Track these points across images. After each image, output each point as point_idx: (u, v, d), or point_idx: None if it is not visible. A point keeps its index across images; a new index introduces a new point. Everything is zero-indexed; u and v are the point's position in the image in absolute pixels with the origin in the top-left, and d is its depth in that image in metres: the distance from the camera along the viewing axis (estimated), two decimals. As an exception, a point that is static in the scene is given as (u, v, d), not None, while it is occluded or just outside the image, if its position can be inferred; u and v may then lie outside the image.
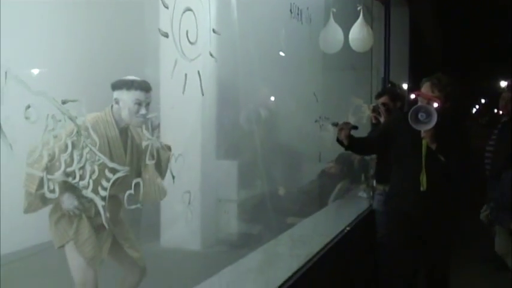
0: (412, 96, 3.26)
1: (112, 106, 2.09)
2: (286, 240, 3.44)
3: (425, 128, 3.05)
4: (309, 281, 2.88)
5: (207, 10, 2.00)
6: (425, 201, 3.25)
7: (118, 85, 2.06)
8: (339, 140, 3.29)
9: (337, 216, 4.54)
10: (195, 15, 1.87)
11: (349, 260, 4.02)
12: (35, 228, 2.15)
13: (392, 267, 3.59)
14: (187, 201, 1.90)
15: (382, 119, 4.19)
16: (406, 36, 7.47)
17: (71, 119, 1.24)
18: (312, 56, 3.94)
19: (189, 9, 1.84)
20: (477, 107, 26.65)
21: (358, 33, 4.53)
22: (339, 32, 4.23)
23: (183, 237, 2.94)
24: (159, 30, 1.71)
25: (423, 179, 3.18)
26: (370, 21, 5.13)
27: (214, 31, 2.04)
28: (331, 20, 4.17)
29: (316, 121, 3.74)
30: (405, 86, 7.58)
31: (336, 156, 5.37)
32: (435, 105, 3.12)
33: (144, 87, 2.07)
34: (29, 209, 1.88)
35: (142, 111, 2.07)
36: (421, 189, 3.18)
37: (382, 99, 4.44)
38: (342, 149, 5.22)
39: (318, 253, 3.17)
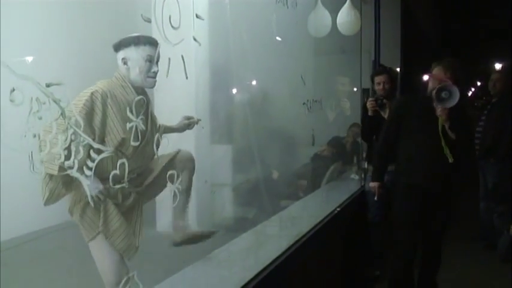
0: (426, 77, 3.51)
1: (118, 70, 1.93)
2: (276, 221, 3.51)
3: (448, 105, 3.29)
4: (297, 260, 2.95)
5: (190, -5, 2.05)
6: (444, 175, 3.57)
7: (124, 43, 1.90)
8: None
9: (329, 197, 4.60)
10: (177, 1, 1.92)
11: (340, 239, 4.10)
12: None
13: (397, 245, 3.72)
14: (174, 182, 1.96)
15: (386, 111, 4.23)
16: (398, 18, 7.48)
17: (55, 101, 1.30)
18: (300, 39, 3.98)
19: (171, -5, 1.88)
20: (473, 89, 26.68)
21: (346, 16, 4.57)
22: (326, 16, 4.27)
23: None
24: (142, 15, 1.76)
25: (447, 152, 3.42)
26: (358, 4, 5.16)
27: (197, 16, 2.08)
28: (319, 3, 4.21)
29: (303, 104, 3.80)
30: (397, 69, 7.61)
31: (329, 139, 5.45)
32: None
33: (152, 41, 1.94)
34: (50, 198, 1.74)
35: (155, 68, 1.95)
36: (449, 161, 3.43)
37: (381, 78, 4.51)
38: (334, 133, 5.33)
39: (307, 233, 3.24)
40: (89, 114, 1.74)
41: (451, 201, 3.77)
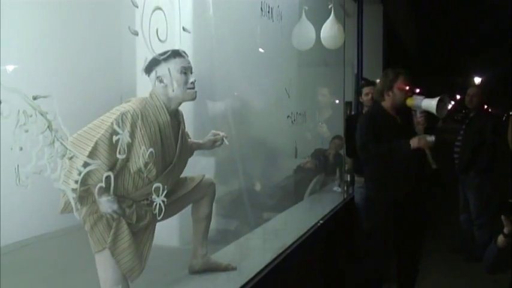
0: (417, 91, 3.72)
1: (154, 89, 1.93)
2: (260, 233, 3.50)
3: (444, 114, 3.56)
4: (281, 273, 2.95)
5: (177, 9, 2.05)
6: (406, 187, 3.66)
7: (153, 63, 1.90)
8: None
9: (312, 210, 4.61)
10: (164, 14, 1.92)
11: (324, 251, 4.10)
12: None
13: (371, 255, 3.79)
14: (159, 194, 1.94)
15: None
16: (380, 32, 7.58)
17: (42, 114, 1.29)
18: (285, 53, 4.00)
19: (158, 8, 1.89)
20: (452, 103, 27.06)
21: (330, 30, 4.61)
22: (311, 29, 4.30)
23: (161, 234, 2.97)
24: (129, 28, 1.76)
25: (430, 159, 3.76)
26: (342, 18, 5.21)
27: (184, 29, 2.09)
28: (303, 17, 4.24)
29: (288, 117, 3.82)
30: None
31: (312, 152, 5.47)
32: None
33: (181, 53, 1.96)
34: (65, 209, 1.76)
35: (192, 78, 1.96)
36: (433, 167, 3.77)
37: (369, 89, 4.61)
38: (317, 145, 5.35)
39: (290, 246, 3.24)
40: (115, 133, 1.74)
41: (424, 213, 3.86)
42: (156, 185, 1.89)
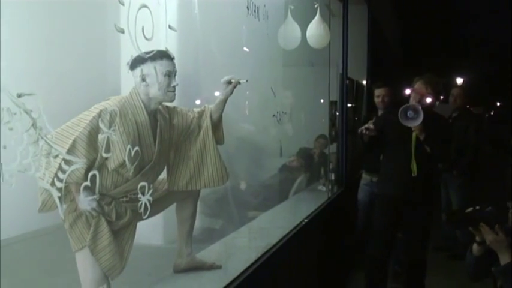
0: (408, 91, 3.72)
1: (136, 87, 1.93)
2: (245, 232, 3.50)
3: (413, 125, 3.50)
4: (266, 272, 2.95)
5: (164, 7, 2.04)
6: (413, 187, 3.72)
7: (139, 60, 1.90)
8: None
9: (297, 209, 4.62)
10: (150, 12, 1.91)
11: (309, 250, 4.11)
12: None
13: (371, 250, 3.87)
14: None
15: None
16: (365, 32, 7.61)
17: (26, 112, 1.27)
18: (271, 52, 4.00)
19: (144, 6, 1.87)
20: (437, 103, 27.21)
21: (315, 30, 4.63)
22: (296, 29, 4.31)
23: (145, 232, 2.96)
24: (115, 26, 1.74)
25: (414, 166, 3.65)
26: (328, 18, 5.22)
27: (170, 27, 2.08)
28: (289, 17, 4.24)
29: (273, 116, 3.82)
30: (364, 82, 7.73)
31: (297, 150, 5.48)
32: (428, 100, 3.61)
33: (169, 55, 1.96)
34: (43, 208, 1.77)
35: (174, 82, 1.97)
36: (412, 175, 3.66)
37: (381, 91, 4.65)
38: (301, 144, 5.37)
39: (275, 245, 3.24)
40: (93, 131, 1.73)
41: (429, 213, 3.93)
42: (141, 183, 1.88)
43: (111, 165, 1.82)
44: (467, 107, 5.89)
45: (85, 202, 1.74)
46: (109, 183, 1.88)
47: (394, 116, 3.59)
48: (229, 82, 2.41)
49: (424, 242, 3.92)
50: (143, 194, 1.87)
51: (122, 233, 1.96)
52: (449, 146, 3.97)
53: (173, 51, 2.11)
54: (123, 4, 1.77)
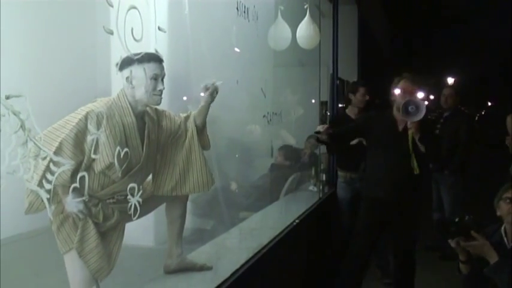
0: (397, 91, 3.63)
1: (123, 89, 1.92)
2: (236, 233, 3.50)
3: (414, 119, 3.38)
4: (257, 272, 2.95)
5: (153, 8, 2.04)
6: (405, 188, 3.65)
7: (127, 61, 1.88)
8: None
9: (288, 209, 4.63)
10: (140, 13, 1.91)
11: (300, 251, 4.12)
12: None
13: (353, 250, 3.83)
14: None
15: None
16: (355, 33, 7.64)
17: (15, 113, 1.27)
18: (261, 53, 4.01)
19: (133, 7, 1.87)
20: (426, 102, 27.37)
21: (305, 30, 4.64)
22: (286, 30, 4.32)
23: (136, 233, 2.95)
24: (104, 27, 1.74)
25: (415, 164, 3.54)
26: (318, 18, 5.24)
27: (159, 29, 2.08)
28: (279, 17, 4.25)
29: (264, 116, 3.83)
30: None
31: (279, 147, 5.50)
32: (419, 95, 3.62)
33: (157, 58, 1.94)
34: (30, 209, 1.76)
35: (160, 86, 1.95)
36: (415, 172, 3.55)
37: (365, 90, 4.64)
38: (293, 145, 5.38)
39: (266, 245, 3.25)
40: (80, 133, 1.73)
41: (418, 213, 3.88)
42: (131, 185, 1.87)
43: (99, 166, 1.81)
44: (459, 106, 5.91)
45: (72, 204, 1.74)
46: (96, 184, 1.87)
47: (380, 115, 3.56)
48: (207, 88, 2.41)
49: (413, 242, 3.90)
50: (132, 195, 1.87)
51: (109, 234, 1.95)
52: (440, 145, 3.94)
53: (163, 52, 2.11)
54: (112, 5, 1.77)
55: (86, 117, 1.77)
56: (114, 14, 1.80)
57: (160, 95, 1.96)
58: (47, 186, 1.49)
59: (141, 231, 2.97)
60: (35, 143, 1.34)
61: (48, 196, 1.49)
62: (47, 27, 2.33)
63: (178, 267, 2.52)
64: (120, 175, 1.87)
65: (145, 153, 2.00)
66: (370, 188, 3.87)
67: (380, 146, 3.77)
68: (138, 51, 1.90)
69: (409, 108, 3.34)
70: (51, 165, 1.55)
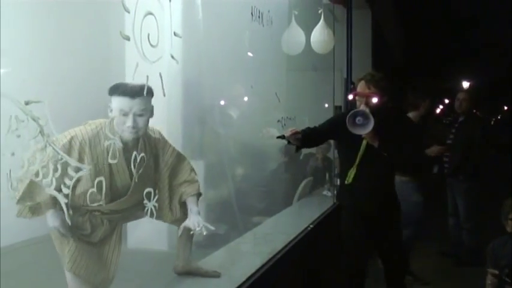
0: (350, 97, 3.30)
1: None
2: (250, 238, 3.50)
3: (362, 132, 3.10)
4: (271, 278, 2.95)
5: (168, 14, 2.05)
6: (370, 195, 3.36)
7: (110, 90, 1.82)
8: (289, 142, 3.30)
9: (301, 214, 4.62)
10: (156, 19, 1.93)
11: (313, 257, 4.11)
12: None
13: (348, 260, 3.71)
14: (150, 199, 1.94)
15: None
16: (369, 37, 7.62)
17: (34, 119, 1.28)
18: (274, 57, 4.02)
19: (150, 13, 1.89)
20: (441, 107, 27.15)
21: (319, 35, 4.64)
22: (300, 34, 4.33)
23: (149, 237, 2.97)
24: (121, 33, 1.76)
25: (351, 173, 3.30)
26: (332, 23, 5.23)
27: (175, 34, 2.09)
28: (293, 22, 4.26)
29: (278, 121, 3.83)
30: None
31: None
32: (374, 100, 3.20)
33: (129, 92, 1.81)
34: (21, 213, 1.76)
35: (128, 123, 1.83)
36: (346, 182, 3.32)
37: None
38: (306, 149, 5.35)
39: (280, 250, 3.24)
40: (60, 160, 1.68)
41: (397, 221, 3.59)
42: (147, 189, 1.88)
43: (78, 191, 1.79)
44: (473, 111, 5.86)
45: (50, 219, 1.73)
46: (82, 198, 1.83)
47: (344, 120, 3.17)
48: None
49: (396, 251, 3.61)
50: (149, 199, 1.88)
51: (105, 244, 1.94)
52: (416, 151, 3.51)
53: (178, 57, 2.12)
54: (128, 11, 1.78)
55: (70, 143, 1.76)
56: (131, 20, 1.81)
57: (132, 131, 1.84)
58: (65, 190, 1.50)
59: (155, 236, 2.99)
60: (53, 148, 1.35)
61: (66, 201, 1.51)
62: (64, 33, 2.35)
63: (184, 270, 2.51)
64: (103, 203, 1.83)
65: (135, 182, 1.92)
66: (339, 196, 3.67)
67: (344, 151, 3.56)
68: (155, 57, 1.91)
69: (356, 120, 3.06)
70: (69, 170, 1.57)
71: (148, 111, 1.88)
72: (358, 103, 3.28)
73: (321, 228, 4.20)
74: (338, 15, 5.87)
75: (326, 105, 5.82)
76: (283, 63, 4.36)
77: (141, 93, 1.81)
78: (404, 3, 12.64)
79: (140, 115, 1.83)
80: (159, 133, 2.17)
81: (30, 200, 1.65)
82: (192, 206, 2.14)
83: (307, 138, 3.28)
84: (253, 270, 2.80)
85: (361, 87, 3.29)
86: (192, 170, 2.25)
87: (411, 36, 16.96)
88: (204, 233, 2.13)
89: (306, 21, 4.49)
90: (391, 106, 3.45)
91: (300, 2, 4.54)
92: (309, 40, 4.63)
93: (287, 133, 3.15)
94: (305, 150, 5.46)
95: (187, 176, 2.18)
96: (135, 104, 1.81)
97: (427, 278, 4.92)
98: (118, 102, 1.81)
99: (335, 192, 5.18)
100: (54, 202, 1.70)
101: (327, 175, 5.53)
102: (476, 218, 5.37)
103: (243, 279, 2.65)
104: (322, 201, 5.08)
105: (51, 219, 1.73)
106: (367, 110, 3.09)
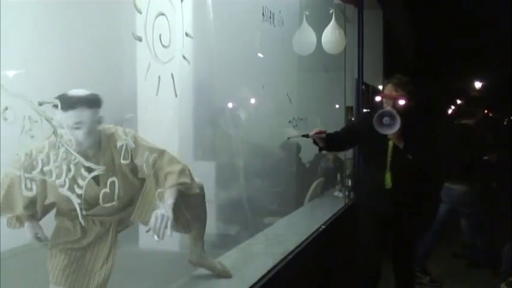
0: (378, 98, 3.40)
1: None
2: (261, 239, 3.50)
3: (389, 132, 3.18)
4: (284, 279, 2.94)
5: (180, 14, 2.05)
6: (391, 199, 3.40)
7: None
8: (315, 142, 3.39)
9: (313, 215, 4.60)
10: (167, 20, 1.93)
11: (325, 257, 4.09)
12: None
13: (360, 260, 3.72)
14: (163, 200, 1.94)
15: None
16: (380, 37, 7.58)
17: (47, 120, 1.29)
18: (286, 58, 4.01)
19: (161, 14, 1.89)
20: (453, 107, 26.96)
21: (331, 35, 4.63)
22: (312, 35, 4.32)
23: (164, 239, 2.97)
24: (133, 34, 1.76)
25: (387, 178, 3.37)
26: (343, 23, 5.22)
27: (187, 34, 2.09)
28: (304, 22, 4.25)
29: (289, 122, 3.82)
30: (380, 87, 7.71)
31: (313, 157, 5.49)
32: (401, 102, 3.30)
33: (62, 104, 1.56)
34: (10, 224, 1.81)
35: (65, 136, 1.60)
36: (386, 187, 3.36)
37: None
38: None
39: (292, 251, 3.24)
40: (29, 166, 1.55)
41: (412, 222, 3.60)
42: (159, 190, 1.88)
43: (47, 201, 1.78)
44: (486, 112, 5.81)
45: (27, 230, 1.75)
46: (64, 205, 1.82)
47: (370, 121, 3.23)
48: None
49: (409, 255, 3.67)
50: (161, 201, 1.87)
51: (100, 243, 1.94)
52: (433, 152, 3.58)
53: (189, 57, 2.12)
54: (140, 12, 1.79)
55: (30, 156, 1.72)
56: (143, 21, 1.81)
57: (69, 145, 1.61)
58: (78, 191, 1.51)
59: (167, 237, 2.98)
60: (66, 148, 1.35)
61: (80, 201, 1.51)
62: (76, 34, 2.37)
63: (199, 264, 2.52)
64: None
65: (104, 192, 1.79)
66: (361, 198, 3.74)
67: (369, 153, 3.61)
68: (167, 57, 1.91)
69: (383, 120, 3.16)
70: (82, 170, 1.57)
71: (86, 124, 1.70)
72: (385, 105, 3.37)
73: (332, 229, 4.18)
74: (349, 15, 5.85)
75: (337, 106, 5.81)
76: (295, 64, 4.36)
77: (75, 105, 1.65)
78: (415, 3, 12.58)
79: (76, 128, 1.67)
80: (134, 137, 1.97)
81: (10, 211, 1.68)
82: (167, 197, 1.92)
83: (330, 139, 3.36)
84: (265, 271, 2.79)
85: (388, 89, 3.40)
86: (173, 160, 2.05)
87: (422, 36, 16.88)
88: (157, 237, 1.84)
89: (317, 22, 4.48)
90: (417, 108, 3.56)
91: (311, 2, 4.53)
92: (320, 40, 4.62)
93: (312, 132, 3.24)
94: (317, 151, 5.46)
95: (167, 168, 1.99)
96: (67, 117, 1.64)
97: (440, 280, 4.89)
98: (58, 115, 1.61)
99: (346, 193, 5.16)
100: (31, 214, 1.73)
101: (338, 176, 5.50)
102: (489, 220, 5.32)
103: (255, 279, 2.65)
104: (334, 202, 5.06)
105: (28, 230, 1.76)
106: (394, 111, 3.17)
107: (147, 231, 1.78)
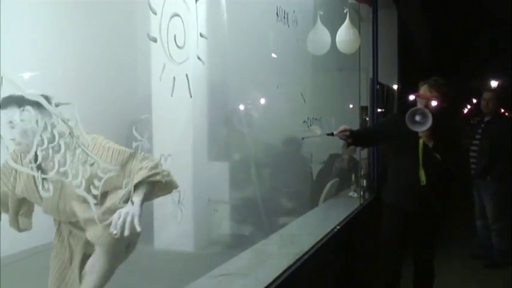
0: (412, 97, 3.53)
1: None
2: (276, 239, 3.49)
3: (421, 129, 3.27)
4: (298, 279, 2.94)
5: (194, 15, 2.06)
6: (420, 197, 3.53)
7: None
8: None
9: (328, 215, 4.59)
10: (182, 20, 1.93)
11: (340, 257, 4.08)
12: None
13: (382, 259, 3.77)
14: (177, 200, 1.94)
15: None
16: (395, 37, 7.54)
17: (64, 121, 1.30)
18: (300, 57, 4.00)
19: (176, 15, 1.89)
20: (469, 107, 26.77)
21: (345, 35, 4.61)
22: (326, 34, 4.30)
23: (176, 238, 2.98)
24: (148, 35, 1.77)
25: (422, 174, 3.48)
26: (357, 23, 5.19)
27: (201, 35, 2.09)
28: (319, 22, 4.24)
29: (304, 122, 3.81)
30: (395, 87, 7.67)
31: (327, 157, 5.47)
32: (434, 103, 3.43)
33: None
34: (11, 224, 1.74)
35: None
36: (421, 184, 3.48)
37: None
38: (332, 150, 5.33)
39: (307, 252, 3.23)
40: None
41: (437, 222, 3.76)
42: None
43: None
44: (501, 110, 5.76)
45: None
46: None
47: (401, 120, 3.35)
48: None
49: (430, 252, 3.77)
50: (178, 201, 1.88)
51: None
52: (459, 153, 3.80)
53: (204, 58, 2.12)
54: (155, 13, 1.79)
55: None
56: (157, 22, 1.82)
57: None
58: (94, 192, 1.51)
59: (182, 237, 3.00)
60: (83, 149, 1.36)
61: (96, 202, 1.51)
62: (92, 35, 2.38)
63: None
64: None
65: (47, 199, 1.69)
66: (388, 195, 3.82)
67: (398, 151, 3.68)
68: (182, 58, 1.91)
69: (416, 117, 3.26)
70: (98, 171, 1.57)
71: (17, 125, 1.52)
72: (419, 104, 3.49)
73: (347, 229, 4.17)
74: (364, 14, 5.83)
75: (351, 106, 5.79)
76: (309, 64, 4.34)
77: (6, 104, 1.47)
78: (430, 2, 12.50)
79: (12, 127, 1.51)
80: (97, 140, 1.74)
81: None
82: (135, 195, 1.74)
83: (357, 135, 3.43)
84: (280, 272, 2.79)
85: (423, 90, 3.53)
86: (144, 158, 1.83)
87: (438, 35, 16.77)
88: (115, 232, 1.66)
89: (331, 21, 4.47)
90: (448, 110, 3.70)
91: (325, 2, 4.52)
92: (334, 40, 4.60)
93: (336, 131, 3.33)
94: (331, 151, 5.45)
95: (137, 165, 1.91)
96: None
97: (456, 281, 4.86)
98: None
99: (361, 193, 5.15)
100: (16, 221, 1.69)
101: (353, 176, 5.48)
102: (505, 219, 5.28)
103: (270, 280, 2.65)
104: (349, 203, 5.04)
105: None
106: (427, 110, 3.27)
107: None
